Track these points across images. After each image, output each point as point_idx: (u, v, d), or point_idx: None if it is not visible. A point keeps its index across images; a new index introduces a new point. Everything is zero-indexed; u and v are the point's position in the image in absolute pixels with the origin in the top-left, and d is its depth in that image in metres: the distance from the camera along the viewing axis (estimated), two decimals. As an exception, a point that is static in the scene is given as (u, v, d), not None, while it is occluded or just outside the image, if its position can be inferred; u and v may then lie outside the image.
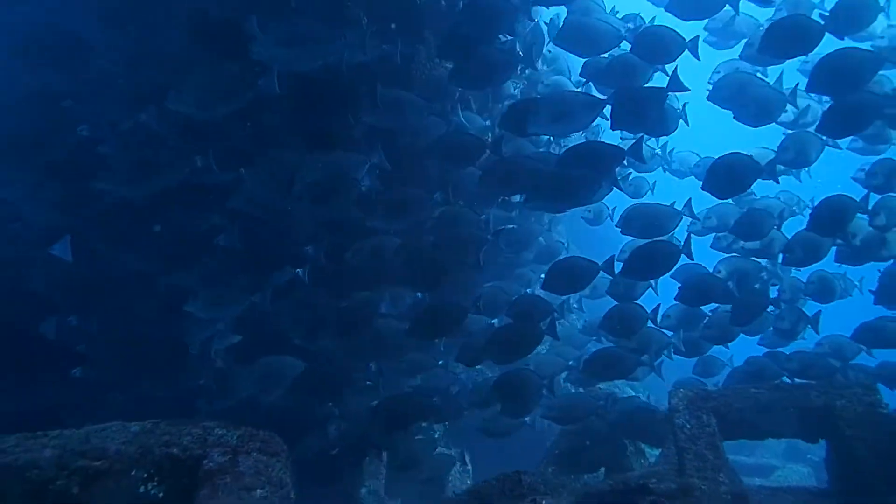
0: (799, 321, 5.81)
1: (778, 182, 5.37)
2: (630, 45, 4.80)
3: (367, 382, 5.11)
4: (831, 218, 5.01)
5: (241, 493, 2.30)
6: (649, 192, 6.92)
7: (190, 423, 2.59)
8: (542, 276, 5.37)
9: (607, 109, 4.56)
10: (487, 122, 5.73)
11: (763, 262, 5.89)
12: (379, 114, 4.30)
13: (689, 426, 4.46)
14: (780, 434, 4.47)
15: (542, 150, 5.71)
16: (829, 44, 4.76)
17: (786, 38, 4.68)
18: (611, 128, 4.83)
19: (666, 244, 5.08)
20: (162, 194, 3.94)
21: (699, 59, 5.07)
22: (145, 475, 2.38)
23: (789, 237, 5.35)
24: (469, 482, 8.21)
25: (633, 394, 7.59)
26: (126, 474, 2.35)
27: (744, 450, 9.63)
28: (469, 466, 8.17)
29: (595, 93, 5.37)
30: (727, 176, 4.92)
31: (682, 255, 5.18)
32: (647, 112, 4.59)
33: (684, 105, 5.32)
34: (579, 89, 5.68)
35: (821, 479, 8.69)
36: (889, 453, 3.88)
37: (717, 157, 5.11)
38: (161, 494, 2.41)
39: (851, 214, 5.08)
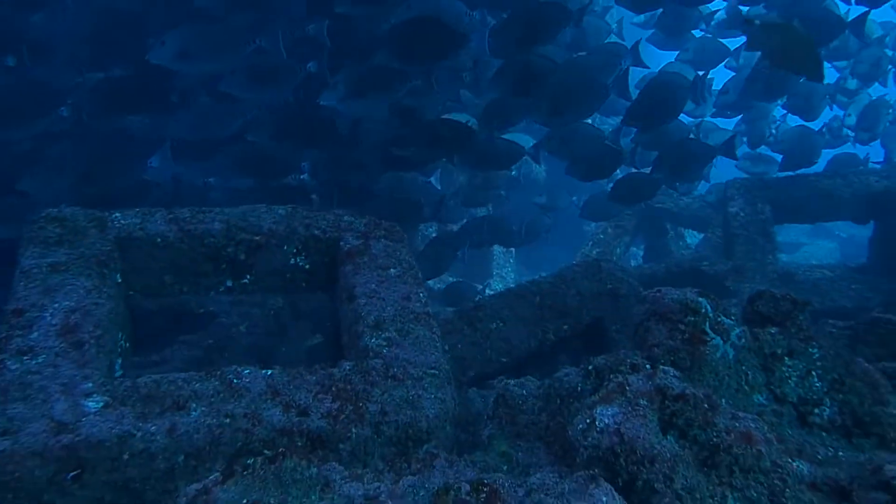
0: None
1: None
2: None
3: None
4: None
5: (377, 271, 2.67)
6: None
7: (322, 210, 2.90)
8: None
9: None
10: None
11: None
12: None
13: (742, 213, 4.75)
14: (834, 218, 4.80)
15: None
16: None
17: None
18: None
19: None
20: None
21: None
22: (294, 250, 2.76)
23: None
24: (511, 264, 8.99)
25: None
26: (279, 248, 2.72)
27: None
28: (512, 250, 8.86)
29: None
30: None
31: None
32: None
33: None
34: None
35: (846, 254, 9.31)
36: None
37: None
38: (307, 266, 2.81)
39: None
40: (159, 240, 2.45)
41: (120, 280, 2.32)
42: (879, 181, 4.58)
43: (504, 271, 8.74)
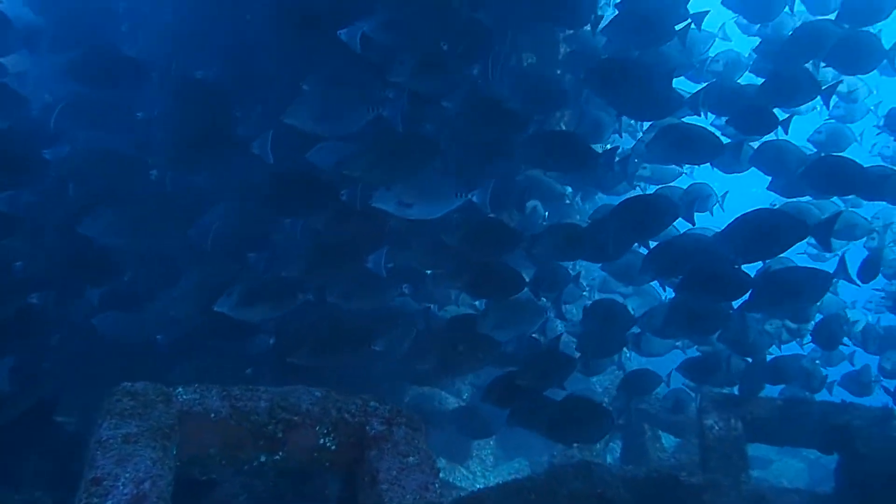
0: None
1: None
2: None
3: None
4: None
5: (399, 458, 2.92)
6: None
7: (352, 395, 3.22)
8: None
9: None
10: None
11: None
12: None
13: (717, 427, 5.10)
14: (799, 444, 5.12)
15: None
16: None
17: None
18: None
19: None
20: None
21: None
22: (325, 431, 3.02)
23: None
24: (490, 447, 8.99)
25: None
26: (312, 428, 2.99)
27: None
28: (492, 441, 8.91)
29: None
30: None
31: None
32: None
33: None
34: None
35: (814, 477, 9.45)
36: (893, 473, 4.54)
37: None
38: (334, 447, 3.05)
39: None
40: (213, 415, 2.72)
41: (175, 452, 2.55)
42: (840, 415, 4.88)
43: (483, 453, 8.74)
